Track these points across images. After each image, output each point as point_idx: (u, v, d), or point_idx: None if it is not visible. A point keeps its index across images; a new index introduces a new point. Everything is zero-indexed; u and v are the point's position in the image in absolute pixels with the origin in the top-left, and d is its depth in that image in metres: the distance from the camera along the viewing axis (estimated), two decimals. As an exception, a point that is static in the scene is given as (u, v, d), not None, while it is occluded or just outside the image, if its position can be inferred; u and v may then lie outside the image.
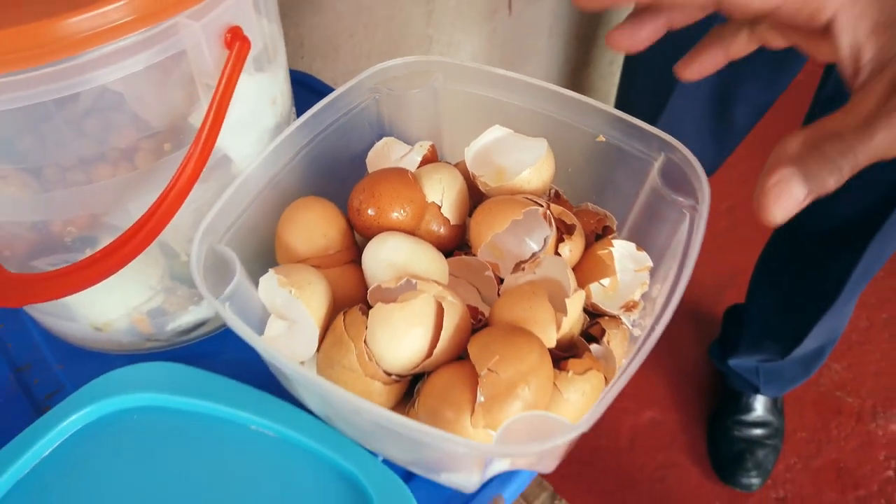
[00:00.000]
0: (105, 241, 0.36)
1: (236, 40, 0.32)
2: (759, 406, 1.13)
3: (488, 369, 0.31)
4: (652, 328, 0.32)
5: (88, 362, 0.42)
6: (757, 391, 1.11)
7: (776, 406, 1.14)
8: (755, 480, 1.09)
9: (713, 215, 1.48)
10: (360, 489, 0.36)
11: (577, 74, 1.22)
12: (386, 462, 0.38)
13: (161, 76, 0.34)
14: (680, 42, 0.63)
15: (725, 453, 1.11)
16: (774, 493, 1.11)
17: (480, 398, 0.31)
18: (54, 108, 0.32)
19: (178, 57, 0.32)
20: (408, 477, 0.37)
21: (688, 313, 1.32)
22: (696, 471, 1.13)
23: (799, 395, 1.20)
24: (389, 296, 0.35)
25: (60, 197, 0.36)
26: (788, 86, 0.71)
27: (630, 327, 0.39)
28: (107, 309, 0.40)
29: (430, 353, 0.34)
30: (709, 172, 0.85)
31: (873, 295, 1.34)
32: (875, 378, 1.23)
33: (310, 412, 0.39)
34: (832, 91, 0.67)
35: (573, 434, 0.28)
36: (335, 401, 0.31)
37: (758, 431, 1.12)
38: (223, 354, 0.43)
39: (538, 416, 0.29)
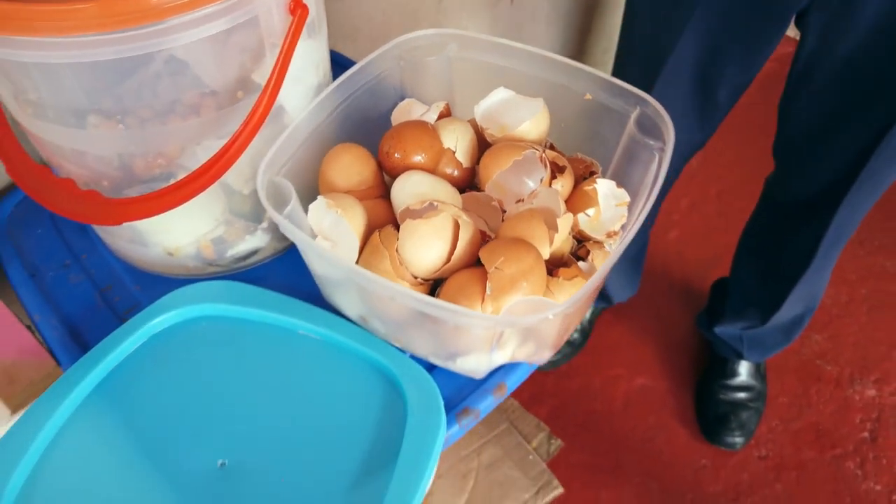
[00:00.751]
0: (180, 177, 0.44)
1: (298, 8, 0.40)
2: (743, 371, 1.21)
3: (495, 267, 0.40)
4: (625, 233, 0.40)
5: (160, 285, 0.51)
6: (741, 357, 1.19)
7: (759, 371, 1.22)
8: (739, 440, 1.18)
9: (703, 199, 1.57)
10: (391, 379, 0.45)
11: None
12: (412, 357, 0.46)
13: (234, 39, 0.42)
14: (663, 36, 0.73)
15: (711, 415, 1.20)
16: (757, 451, 1.19)
17: (489, 290, 0.39)
18: (137, 65, 0.40)
19: (251, 22, 0.40)
20: (430, 368, 0.46)
21: (678, 289, 1.40)
22: (683, 431, 1.22)
23: (781, 363, 1.29)
24: (416, 215, 0.43)
25: (140, 138, 0.44)
26: (763, 66, 0.79)
27: (610, 251, 0.47)
28: (179, 235, 0.49)
29: (448, 260, 0.42)
30: (696, 148, 0.93)
31: (853, 272, 1.42)
32: (853, 348, 1.31)
33: (348, 319, 0.47)
34: (804, 66, 0.76)
35: (560, 310, 0.36)
36: (375, 289, 0.40)
37: (742, 395, 1.20)
38: (273, 278, 0.52)
39: (534, 299, 0.38)
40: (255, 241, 0.51)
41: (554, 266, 0.45)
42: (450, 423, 0.43)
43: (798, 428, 1.22)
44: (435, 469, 0.40)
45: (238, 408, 0.44)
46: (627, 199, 0.47)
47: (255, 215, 0.51)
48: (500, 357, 0.44)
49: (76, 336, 0.47)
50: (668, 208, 1.55)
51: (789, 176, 0.90)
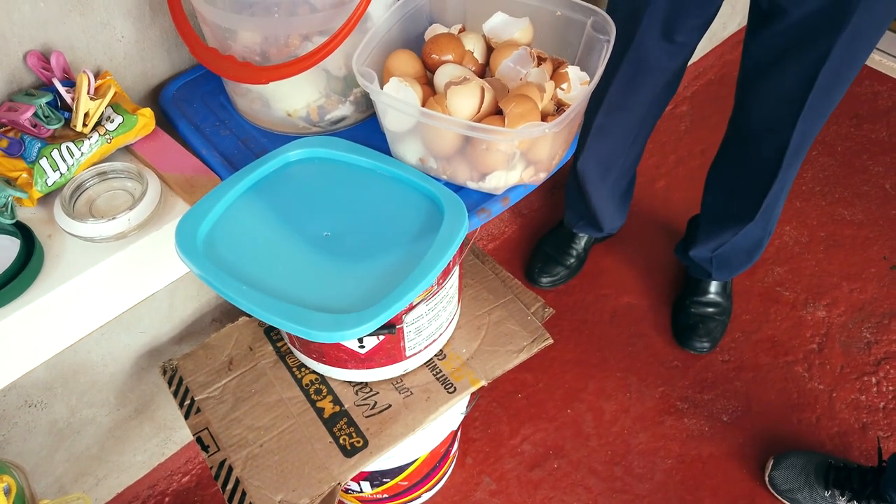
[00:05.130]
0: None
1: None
2: (713, 290, 1.44)
3: (510, 108, 0.63)
4: (589, 86, 0.63)
5: (280, 139, 0.74)
6: (710, 276, 1.41)
7: (726, 291, 1.45)
8: (706, 345, 1.40)
9: (689, 155, 1.79)
10: (432, 198, 0.67)
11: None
12: (446, 184, 0.69)
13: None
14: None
15: (683, 324, 1.43)
16: (721, 357, 1.42)
17: (507, 120, 0.62)
18: None
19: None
20: (458, 189, 0.69)
21: (661, 227, 1.63)
22: (660, 339, 1.45)
23: (746, 289, 1.51)
24: (456, 84, 0.66)
25: (272, 26, 0.67)
26: (719, 7, 1.01)
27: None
28: (296, 101, 0.72)
29: (479, 110, 0.65)
30: (666, 85, 1.14)
31: (815, 219, 1.65)
32: (809, 279, 1.54)
33: (406, 163, 0.70)
34: (760, 8, 0.98)
35: (552, 126, 0.59)
36: (436, 123, 0.62)
37: (710, 309, 1.43)
38: (355, 137, 0.74)
39: (535, 123, 0.61)
40: (344, 110, 0.74)
41: (544, 118, 0.67)
42: (472, 217, 0.66)
43: (757, 339, 1.44)
44: (464, 237, 0.63)
45: (336, 207, 0.67)
46: (588, 78, 0.70)
47: (345, 91, 0.74)
48: (513, 176, 0.67)
49: (230, 163, 0.71)
50: (657, 162, 1.77)
51: (750, 105, 1.11)
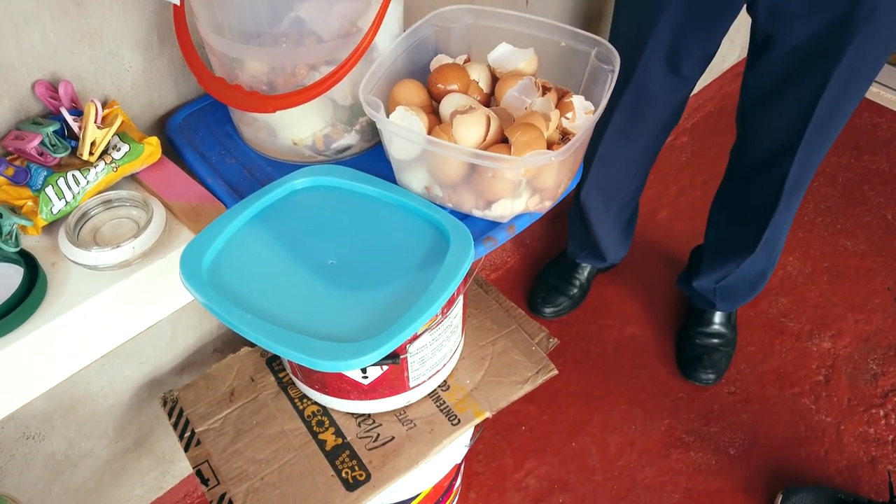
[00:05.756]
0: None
1: (395, -26, 0.64)
2: (717, 320, 1.43)
3: (516, 137, 0.63)
4: (594, 115, 0.63)
5: (285, 168, 0.74)
6: (714, 307, 1.41)
7: (730, 322, 1.44)
8: (711, 376, 1.39)
9: (691, 186, 1.79)
10: (438, 226, 0.67)
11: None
12: (452, 212, 0.69)
13: (351, -6, 0.66)
14: (643, 28, 0.97)
15: (688, 355, 1.41)
16: (726, 388, 1.41)
17: (513, 149, 0.62)
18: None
19: (364, -18, 0.64)
20: (463, 217, 0.68)
21: (664, 258, 1.63)
22: (664, 371, 1.43)
23: (751, 319, 1.50)
24: (462, 113, 0.66)
25: (279, 56, 0.67)
26: (720, 42, 1.02)
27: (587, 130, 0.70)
28: (302, 130, 0.72)
29: (484, 139, 0.65)
30: (670, 117, 1.15)
31: (818, 249, 1.64)
32: (813, 310, 1.53)
33: (411, 191, 0.70)
34: (757, 43, 0.99)
35: (557, 155, 0.59)
36: (442, 151, 0.62)
37: (715, 340, 1.42)
38: (360, 166, 0.74)
39: (540, 151, 0.61)
40: (350, 139, 0.74)
41: (549, 147, 0.67)
42: (477, 245, 0.65)
43: (762, 371, 1.43)
44: (469, 266, 0.62)
45: (341, 235, 0.67)
46: (592, 107, 0.70)
47: (351, 121, 0.74)
48: (519, 205, 0.67)
49: (235, 191, 0.71)
50: (659, 193, 1.78)
51: (750, 136, 1.12)
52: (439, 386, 0.94)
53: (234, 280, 0.62)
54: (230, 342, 1.10)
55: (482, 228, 0.68)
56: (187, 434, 0.91)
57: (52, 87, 0.69)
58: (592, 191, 1.28)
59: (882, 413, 1.36)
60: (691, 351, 1.42)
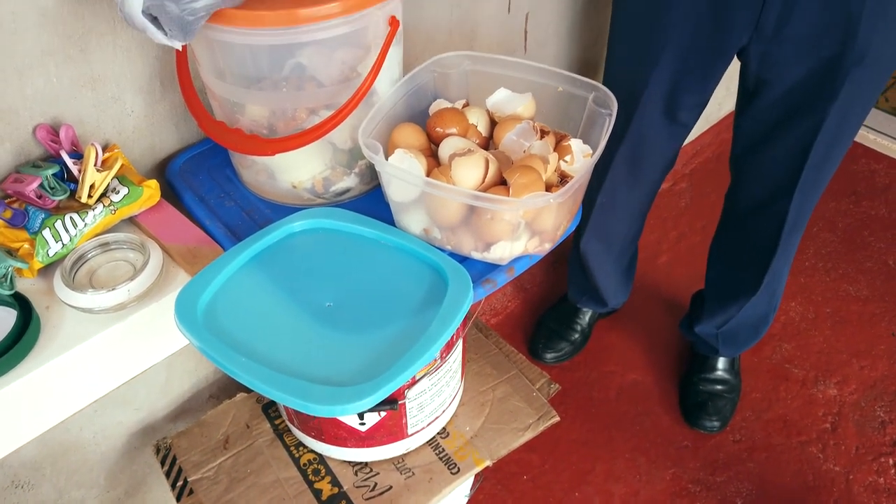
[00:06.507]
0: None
1: (394, 22, 0.65)
2: (720, 366, 1.41)
3: (514, 179, 0.63)
4: (592, 158, 0.63)
5: (284, 210, 0.74)
6: (717, 353, 1.39)
7: (734, 367, 1.42)
8: (716, 424, 1.36)
9: (690, 231, 1.80)
10: (436, 268, 0.67)
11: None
12: (450, 254, 0.68)
13: (350, 39, 0.67)
14: (638, 76, 0.99)
15: (692, 402, 1.39)
16: (732, 436, 1.38)
17: (511, 191, 0.62)
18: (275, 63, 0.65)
19: (363, 29, 0.65)
20: (462, 260, 0.68)
21: (665, 303, 1.62)
22: (667, 418, 1.41)
23: (755, 365, 1.49)
24: (460, 156, 0.67)
25: (280, 101, 0.68)
26: (715, 89, 1.04)
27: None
28: (301, 173, 0.72)
29: (483, 181, 0.65)
30: (667, 164, 1.16)
31: (820, 294, 1.63)
32: (818, 356, 1.51)
33: (410, 233, 0.70)
34: (746, 88, 1.00)
35: (556, 197, 0.59)
36: (441, 193, 0.62)
37: (719, 387, 1.40)
38: (360, 209, 0.74)
39: (539, 193, 0.61)
40: (349, 182, 0.75)
41: (548, 189, 0.67)
42: (476, 288, 0.65)
43: (768, 418, 1.40)
44: (468, 308, 0.62)
45: (339, 277, 0.66)
46: (591, 150, 0.70)
47: (350, 164, 0.74)
48: (518, 247, 0.66)
49: (233, 233, 0.70)
50: (658, 238, 1.78)
51: (745, 181, 1.13)
52: (438, 433, 0.92)
53: (230, 323, 0.61)
54: (226, 387, 1.09)
55: (481, 271, 0.68)
56: (180, 483, 0.89)
57: (54, 131, 0.69)
58: (593, 239, 1.28)
59: (892, 462, 1.33)
60: (695, 397, 1.39)
